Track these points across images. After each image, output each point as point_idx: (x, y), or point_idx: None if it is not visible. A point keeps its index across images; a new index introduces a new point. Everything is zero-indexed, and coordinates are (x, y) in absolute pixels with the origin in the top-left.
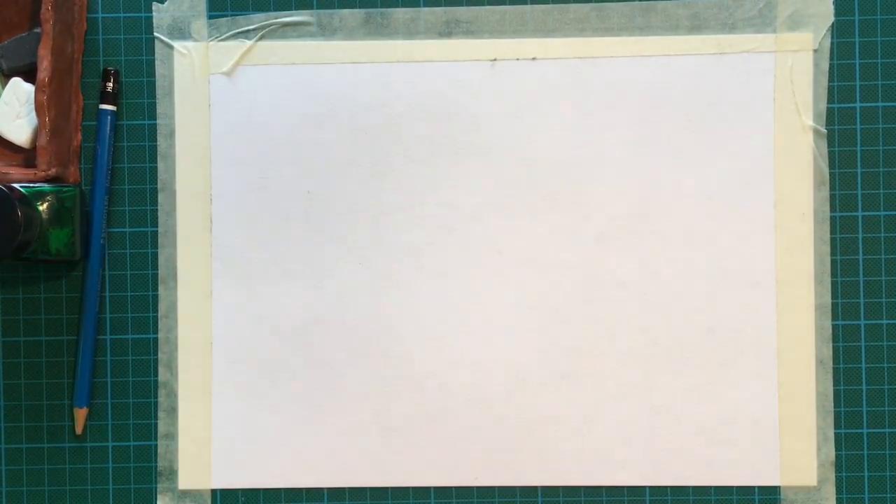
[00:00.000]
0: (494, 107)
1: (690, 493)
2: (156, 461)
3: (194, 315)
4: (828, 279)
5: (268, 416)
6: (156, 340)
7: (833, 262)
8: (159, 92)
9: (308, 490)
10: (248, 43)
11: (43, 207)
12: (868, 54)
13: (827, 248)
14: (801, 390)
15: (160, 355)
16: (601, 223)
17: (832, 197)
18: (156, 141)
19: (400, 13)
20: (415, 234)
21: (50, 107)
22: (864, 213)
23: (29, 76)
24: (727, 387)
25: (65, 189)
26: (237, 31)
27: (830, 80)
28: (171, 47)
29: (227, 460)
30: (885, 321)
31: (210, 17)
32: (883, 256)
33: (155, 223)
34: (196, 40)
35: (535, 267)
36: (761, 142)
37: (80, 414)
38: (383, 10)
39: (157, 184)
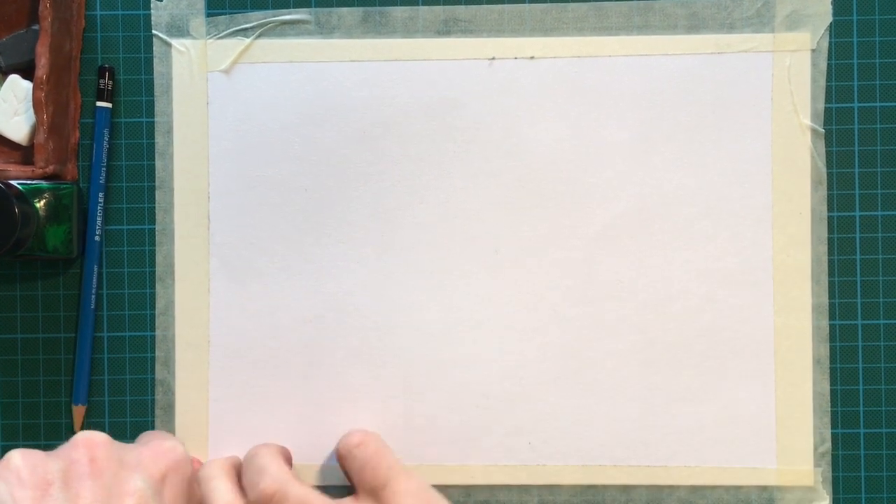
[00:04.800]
0: (492, 105)
1: (688, 492)
2: None
3: (192, 312)
4: (825, 279)
5: (265, 414)
6: (153, 338)
7: (830, 262)
8: (157, 89)
9: None
10: (247, 41)
11: (40, 205)
12: (866, 54)
13: (824, 248)
14: (798, 390)
15: (157, 353)
16: (598, 222)
17: (829, 196)
18: (153, 138)
19: (398, 11)
20: (413, 232)
21: (48, 104)
22: (862, 213)
23: (27, 73)
24: (724, 386)
25: (62, 186)
26: (235, 28)
27: (828, 79)
28: (169, 45)
29: None
30: (882, 321)
31: (208, 15)
32: (880, 256)
33: (152, 221)
34: (194, 38)
35: (534, 266)
36: (759, 141)
37: (78, 411)
38: (381, 8)
39: (154, 181)
